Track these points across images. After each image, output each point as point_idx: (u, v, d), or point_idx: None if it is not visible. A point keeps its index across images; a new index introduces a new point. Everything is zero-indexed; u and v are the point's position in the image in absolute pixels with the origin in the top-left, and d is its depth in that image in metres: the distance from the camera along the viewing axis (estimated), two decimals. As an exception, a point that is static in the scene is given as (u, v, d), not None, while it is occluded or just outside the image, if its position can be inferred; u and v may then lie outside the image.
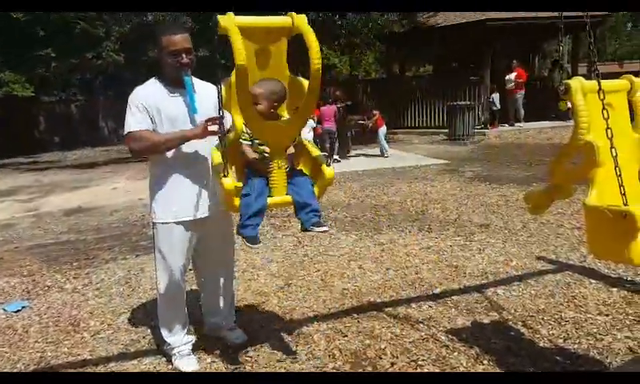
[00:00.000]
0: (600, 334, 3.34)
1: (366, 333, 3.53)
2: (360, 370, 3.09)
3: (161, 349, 3.37)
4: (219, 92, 2.61)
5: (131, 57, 16.31)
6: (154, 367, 3.26)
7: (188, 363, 3.20)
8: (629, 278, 4.17)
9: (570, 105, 2.57)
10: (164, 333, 3.24)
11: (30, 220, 8.04)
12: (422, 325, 3.59)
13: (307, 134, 12.69)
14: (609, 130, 2.36)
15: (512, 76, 15.71)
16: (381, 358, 3.20)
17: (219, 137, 2.74)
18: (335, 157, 12.55)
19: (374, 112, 13.13)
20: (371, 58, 27.22)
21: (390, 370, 3.08)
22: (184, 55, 2.92)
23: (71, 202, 9.37)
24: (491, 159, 11.39)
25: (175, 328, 3.22)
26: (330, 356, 3.26)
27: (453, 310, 3.82)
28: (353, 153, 13.32)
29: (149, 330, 3.74)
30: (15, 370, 3.36)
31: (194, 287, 3.97)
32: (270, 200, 2.72)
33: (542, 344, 3.28)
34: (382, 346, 3.33)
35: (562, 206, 6.20)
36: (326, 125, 12.22)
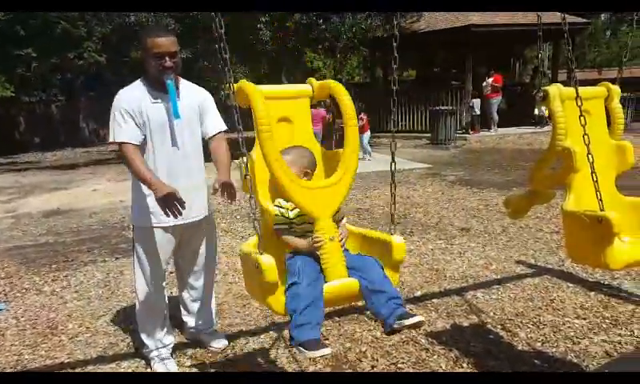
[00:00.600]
0: (577, 338, 3.38)
1: (347, 336, 3.53)
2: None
3: (140, 352, 3.34)
4: (245, 164, 2.14)
5: (113, 57, 16.19)
6: (133, 370, 3.23)
7: (167, 367, 3.17)
8: (606, 282, 4.23)
9: (543, 110, 2.61)
10: (143, 336, 3.21)
11: (8, 221, 7.91)
12: (402, 328, 3.60)
13: None
14: (586, 137, 2.40)
15: (489, 80, 15.93)
16: (361, 361, 3.20)
17: (252, 221, 2.19)
18: None
19: (362, 116, 13.14)
20: (355, 61, 27.31)
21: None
22: (167, 58, 2.86)
23: (50, 203, 9.25)
24: (472, 164, 11.49)
25: (154, 332, 3.19)
26: (310, 359, 3.26)
27: (433, 313, 3.84)
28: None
29: (128, 333, 3.70)
30: (-9, 374, 3.31)
31: (175, 291, 3.95)
32: (327, 287, 2.11)
33: (520, 347, 3.31)
34: (363, 349, 3.34)
35: (541, 210, 6.27)
36: (314, 128, 12.25)
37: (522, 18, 15.44)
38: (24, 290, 4.75)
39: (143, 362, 3.28)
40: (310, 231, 2.24)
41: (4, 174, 13.91)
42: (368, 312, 3.88)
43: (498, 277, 4.51)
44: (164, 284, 3.21)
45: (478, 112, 16.14)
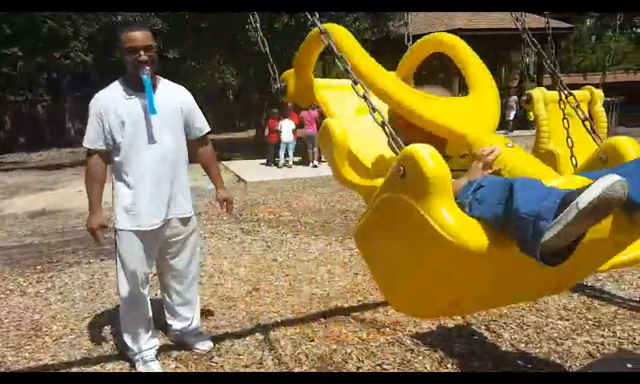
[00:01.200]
0: (561, 338, 3.42)
1: (333, 337, 3.54)
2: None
3: (124, 354, 3.32)
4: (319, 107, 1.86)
5: (100, 57, 16.08)
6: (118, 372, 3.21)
7: (151, 369, 3.15)
8: (589, 284, 4.27)
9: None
10: (127, 339, 3.19)
11: (-9, 222, 7.84)
12: (387, 329, 3.62)
13: (288, 136, 12.78)
14: (569, 139, 2.43)
15: None
16: (347, 363, 3.21)
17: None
18: (315, 162, 12.65)
19: None
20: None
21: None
22: (142, 52, 2.83)
23: (36, 204, 9.17)
24: (459, 166, 11.55)
25: (138, 334, 3.16)
26: (296, 361, 3.26)
27: (419, 314, 3.86)
28: (323, 158, 13.42)
29: (112, 335, 3.68)
30: (-27, 376, 3.27)
31: (159, 292, 3.93)
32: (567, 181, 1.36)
33: (504, 348, 3.34)
34: (349, 351, 3.35)
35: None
36: (308, 130, 12.29)
37: (507, 23, 15.58)
38: (8, 292, 4.70)
39: (128, 364, 3.26)
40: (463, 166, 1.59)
41: (-12, 175, 13.77)
42: (354, 314, 3.89)
43: (483, 278, 4.53)
44: (147, 287, 3.18)
45: None
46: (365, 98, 1.50)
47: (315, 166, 12.49)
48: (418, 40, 2.35)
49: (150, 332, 3.23)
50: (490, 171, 1.50)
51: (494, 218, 1.26)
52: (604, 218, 1.23)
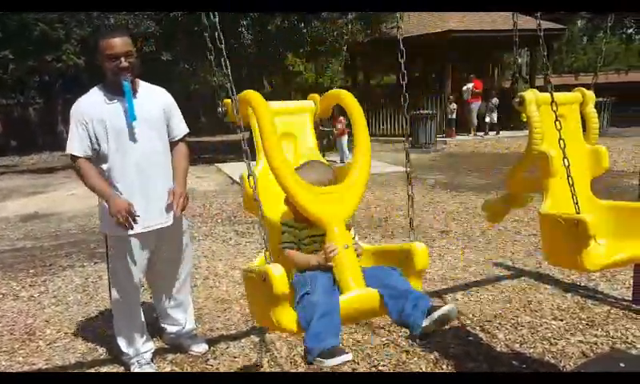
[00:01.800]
0: (554, 339, 3.44)
1: (328, 339, 3.53)
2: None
3: (119, 358, 3.31)
4: (253, 175, 1.95)
5: (92, 60, 15.98)
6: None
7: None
8: (582, 284, 4.30)
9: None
10: (121, 343, 3.18)
11: (-17, 226, 7.79)
12: (383, 330, 3.62)
13: None
14: (561, 141, 2.45)
15: (469, 86, 16.13)
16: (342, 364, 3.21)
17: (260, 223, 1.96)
18: None
19: (341, 119, 13.08)
20: (337, 65, 27.37)
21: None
22: (122, 59, 2.81)
23: (28, 207, 9.12)
24: (452, 167, 11.60)
25: (132, 338, 3.16)
26: (291, 362, 3.26)
27: (413, 315, 3.86)
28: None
29: (107, 339, 3.66)
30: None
31: (152, 296, 3.92)
32: (344, 300, 1.88)
33: (499, 348, 3.35)
34: (344, 352, 3.34)
35: (519, 213, 6.35)
36: None
37: (500, 24, 15.65)
38: (1, 296, 4.68)
39: (123, 367, 3.25)
40: (319, 251, 2.07)
41: (-20, 178, 13.68)
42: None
43: (477, 279, 4.56)
44: (140, 291, 3.18)
45: (454, 116, 16.40)
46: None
47: None
48: (326, 93, 2.65)
49: (145, 335, 3.23)
50: (328, 263, 2.00)
51: (302, 322, 1.87)
52: None
